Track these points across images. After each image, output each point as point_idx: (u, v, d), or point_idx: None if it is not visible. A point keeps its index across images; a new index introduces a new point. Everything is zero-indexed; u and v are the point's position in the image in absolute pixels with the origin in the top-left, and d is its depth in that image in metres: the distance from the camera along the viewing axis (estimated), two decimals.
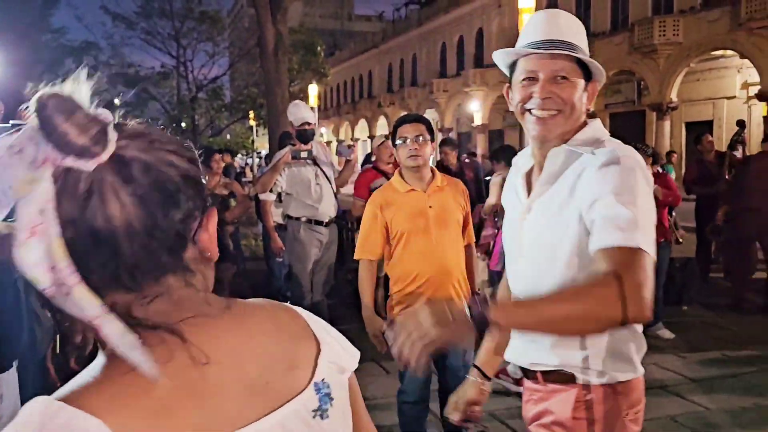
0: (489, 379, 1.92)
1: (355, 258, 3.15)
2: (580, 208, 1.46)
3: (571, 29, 1.58)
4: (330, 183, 5.20)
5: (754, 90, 20.21)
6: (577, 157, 1.53)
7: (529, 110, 1.57)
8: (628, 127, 22.99)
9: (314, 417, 0.77)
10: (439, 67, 38.44)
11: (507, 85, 1.68)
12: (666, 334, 5.45)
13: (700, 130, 14.46)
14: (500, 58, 1.66)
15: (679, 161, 18.72)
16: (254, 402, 0.74)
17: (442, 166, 8.37)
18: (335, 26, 64.22)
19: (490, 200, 5.26)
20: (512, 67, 1.64)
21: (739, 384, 4.45)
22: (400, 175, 3.09)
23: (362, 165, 7.80)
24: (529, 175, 1.72)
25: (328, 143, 46.01)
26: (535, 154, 1.68)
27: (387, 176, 5.57)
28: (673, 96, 22.22)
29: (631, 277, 1.26)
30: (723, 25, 20.36)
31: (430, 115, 39.20)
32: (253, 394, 0.74)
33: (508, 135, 31.39)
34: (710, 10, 21.15)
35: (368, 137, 42.78)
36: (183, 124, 30.38)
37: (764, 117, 19.09)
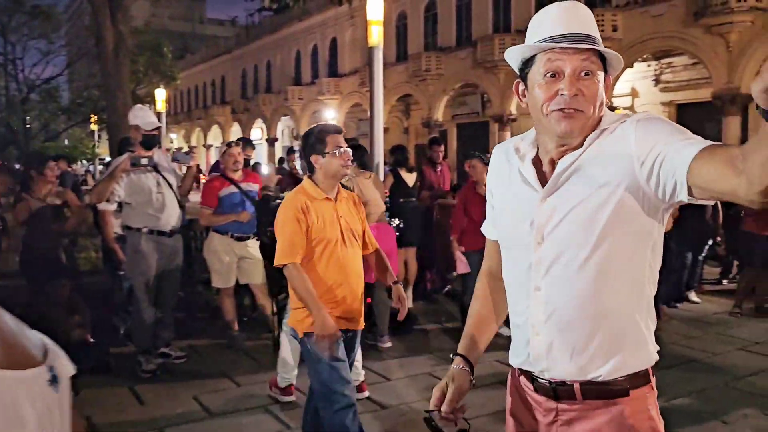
0: (472, 369, 1.76)
1: (279, 263, 3.00)
2: (632, 157, 1.41)
3: (590, 21, 1.52)
4: (173, 191, 4.96)
5: None
6: (610, 130, 1.49)
7: (554, 109, 1.48)
8: (474, 136, 24.11)
9: (49, 385, 0.95)
10: (294, 74, 38.30)
11: (517, 81, 1.59)
12: (506, 331, 5.73)
13: None
14: (516, 52, 1.54)
15: None
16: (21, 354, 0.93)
17: (291, 174, 8.30)
18: (186, 29, 61.90)
19: None
20: (524, 63, 1.54)
21: None
22: (313, 182, 3.10)
23: (210, 172, 7.56)
24: (537, 165, 1.60)
25: (179, 149, 44.26)
26: (550, 150, 1.56)
27: (235, 184, 5.44)
28: (512, 109, 23.72)
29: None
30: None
31: (285, 122, 38.97)
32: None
33: (360, 143, 31.90)
34: None
35: (222, 143, 41.64)
36: (13, 127, 27.86)
37: None
